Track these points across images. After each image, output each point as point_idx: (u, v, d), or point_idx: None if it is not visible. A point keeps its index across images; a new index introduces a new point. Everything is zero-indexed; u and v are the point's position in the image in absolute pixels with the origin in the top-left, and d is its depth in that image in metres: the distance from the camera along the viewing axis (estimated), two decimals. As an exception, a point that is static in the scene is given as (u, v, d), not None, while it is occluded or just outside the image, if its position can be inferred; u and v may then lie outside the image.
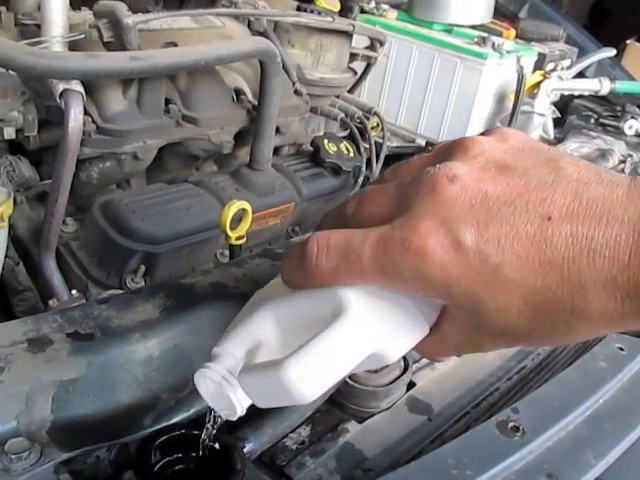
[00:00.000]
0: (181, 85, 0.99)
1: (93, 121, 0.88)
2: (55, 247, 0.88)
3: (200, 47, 0.89)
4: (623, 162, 1.39)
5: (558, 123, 1.58)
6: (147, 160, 0.96)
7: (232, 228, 0.77)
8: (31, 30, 0.90)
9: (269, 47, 0.94)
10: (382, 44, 1.30)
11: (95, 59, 0.79)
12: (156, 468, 0.51)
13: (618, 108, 1.56)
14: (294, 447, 0.60)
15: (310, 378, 0.38)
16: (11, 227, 0.88)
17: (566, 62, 1.60)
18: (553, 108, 1.54)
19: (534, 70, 1.53)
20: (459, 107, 1.45)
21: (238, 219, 0.78)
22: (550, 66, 1.54)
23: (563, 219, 0.35)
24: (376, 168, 1.23)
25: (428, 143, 1.46)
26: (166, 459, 0.51)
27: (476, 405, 0.69)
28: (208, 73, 1.01)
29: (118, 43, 0.87)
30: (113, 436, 0.51)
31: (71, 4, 0.87)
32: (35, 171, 0.96)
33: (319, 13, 1.18)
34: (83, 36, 0.86)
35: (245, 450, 0.57)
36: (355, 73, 1.29)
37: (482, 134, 0.44)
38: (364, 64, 1.33)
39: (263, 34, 1.10)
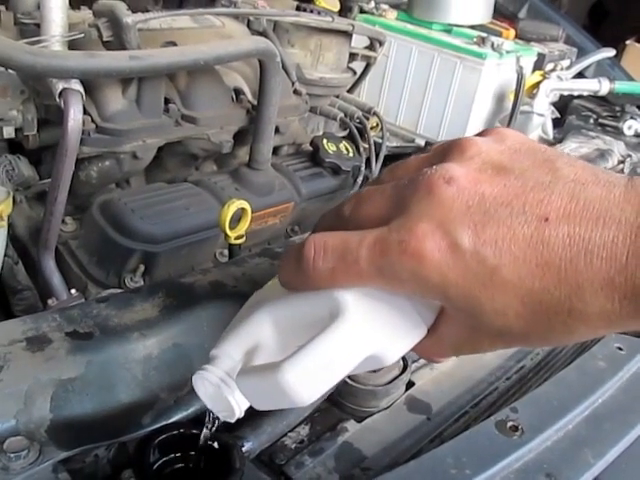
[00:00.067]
0: (180, 84, 0.99)
1: (92, 120, 0.88)
2: (54, 246, 0.88)
3: (199, 46, 0.89)
4: (622, 162, 1.39)
5: (557, 123, 1.58)
6: (146, 159, 0.96)
7: (231, 227, 0.77)
8: (30, 29, 0.90)
9: (268, 47, 0.94)
10: (381, 44, 1.30)
11: (94, 58, 0.79)
12: (155, 467, 0.51)
13: (617, 108, 1.56)
14: (293, 446, 0.60)
15: (308, 381, 0.38)
16: (10, 226, 0.88)
17: (565, 62, 1.60)
18: (552, 108, 1.54)
19: (533, 70, 1.53)
20: (458, 107, 1.45)
21: (237, 218, 0.78)
22: (549, 66, 1.54)
23: (560, 220, 0.35)
24: (375, 168, 1.23)
25: (427, 143, 1.46)
26: (165, 458, 0.51)
27: (475, 404, 0.69)
28: (207, 72, 1.01)
29: (117, 42, 0.87)
30: (112, 435, 0.51)
31: (70, 3, 0.87)
32: (34, 170, 0.96)
33: (319, 13, 1.18)
34: (82, 35, 0.86)
35: (244, 449, 0.57)
36: (354, 73, 1.29)
37: (479, 134, 0.44)
38: (363, 64, 1.33)
39: (262, 34, 1.10)
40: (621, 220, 0.34)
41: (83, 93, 0.81)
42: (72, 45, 0.87)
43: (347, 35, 1.21)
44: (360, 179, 1.17)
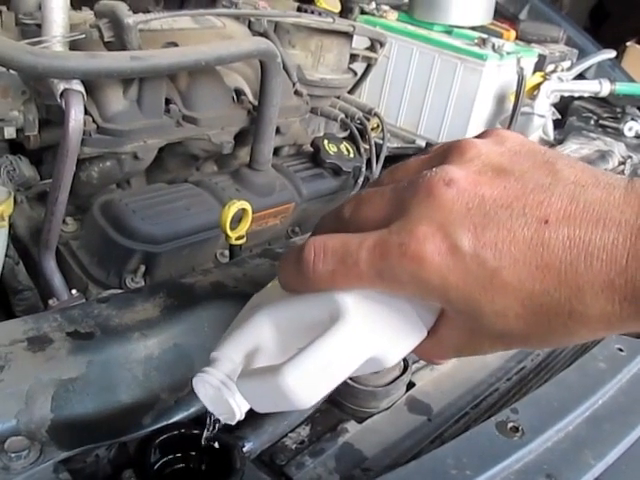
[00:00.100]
0: (181, 85, 0.99)
1: (93, 121, 0.88)
2: (55, 247, 0.88)
3: (200, 47, 0.89)
4: (623, 163, 1.39)
5: (558, 124, 1.58)
6: (147, 160, 0.96)
7: (232, 228, 0.77)
8: (32, 30, 0.90)
9: (269, 47, 0.94)
10: (382, 45, 1.30)
11: (96, 59, 0.79)
12: (155, 467, 0.51)
13: (618, 110, 1.56)
14: (293, 447, 0.60)
15: (308, 384, 0.38)
16: (11, 226, 0.88)
17: (566, 64, 1.60)
18: (553, 109, 1.54)
19: (534, 71, 1.53)
20: (459, 108, 1.45)
21: (238, 219, 0.78)
22: (550, 67, 1.54)
23: (560, 222, 0.35)
24: (376, 169, 1.23)
25: (428, 144, 1.47)
26: (165, 458, 0.51)
27: (475, 405, 0.69)
28: (208, 73, 1.01)
29: (119, 43, 0.87)
30: (113, 435, 0.51)
31: (72, 4, 0.87)
32: (35, 170, 0.96)
33: (319, 14, 1.18)
34: (84, 36, 0.86)
35: (245, 449, 0.57)
36: (355, 74, 1.29)
37: (478, 136, 0.44)
38: (364, 65, 1.33)
39: (263, 34, 1.10)
40: (621, 222, 0.34)
41: (84, 93, 0.81)
42: (73, 46, 0.87)
43: (348, 36, 1.21)
44: (361, 180, 1.17)
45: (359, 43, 1.30)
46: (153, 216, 0.89)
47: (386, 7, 1.61)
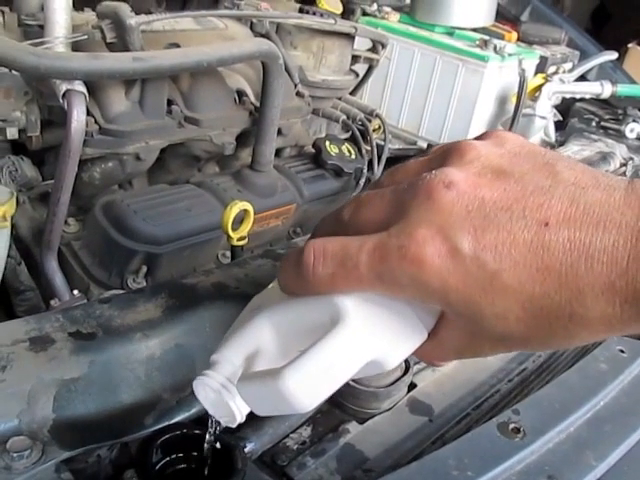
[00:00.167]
0: (183, 86, 0.99)
1: (96, 121, 0.88)
2: (57, 247, 0.88)
3: (202, 48, 0.89)
4: (624, 165, 1.39)
5: (560, 126, 1.58)
6: (149, 161, 0.96)
7: (234, 229, 0.77)
8: (34, 31, 0.91)
9: (271, 49, 0.94)
10: (384, 46, 1.31)
11: (98, 60, 0.79)
12: (157, 467, 0.51)
13: (619, 111, 1.56)
14: (295, 447, 0.60)
15: (309, 387, 0.38)
16: (13, 227, 0.88)
17: (568, 65, 1.60)
18: (554, 111, 1.54)
19: (536, 73, 1.53)
20: (461, 110, 1.46)
21: (240, 220, 0.78)
22: (552, 69, 1.55)
23: (560, 225, 0.35)
24: (377, 170, 1.23)
25: (429, 146, 1.47)
26: (167, 458, 0.51)
27: (477, 406, 0.69)
28: (210, 74, 1.01)
29: (121, 44, 0.87)
30: (114, 435, 0.51)
31: (74, 5, 0.87)
32: (37, 171, 0.96)
33: (321, 15, 1.18)
34: (86, 37, 0.86)
35: (246, 450, 0.57)
36: (357, 75, 1.30)
37: (478, 138, 0.43)
38: (366, 66, 1.33)
39: (265, 36, 1.10)
40: (621, 224, 0.34)
41: (86, 94, 0.81)
42: (75, 46, 0.87)
43: (350, 37, 1.21)
44: (362, 181, 1.17)
45: (361, 44, 1.31)
46: (155, 217, 0.89)
47: (388, 9, 1.61)
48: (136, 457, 0.51)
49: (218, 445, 0.51)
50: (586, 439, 0.62)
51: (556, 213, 0.36)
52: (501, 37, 1.54)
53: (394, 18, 1.60)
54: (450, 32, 1.54)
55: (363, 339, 0.40)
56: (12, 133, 0.90)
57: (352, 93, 1.37)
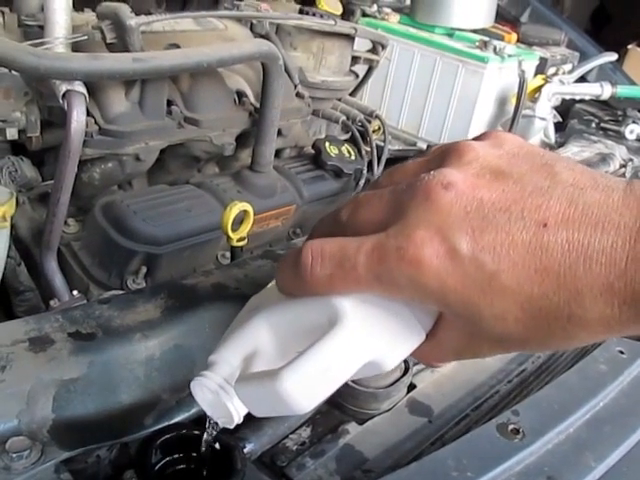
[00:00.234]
0: (183, 87, 1.00)
1: (95, 122, 0.88)
2: (57, 248, 0.88)
3: (202, 49, 0.89)
4: (624, 166, 1.39)
5: (559, 127, 1.58)
6: (149, 161, 0.96)
7: (233, 230, 0.77)
8: (34, 31, 0.91)
9: (271, 49, 0.94)
10: (384, 47, 1.31)
11: (98, 60, 0.79)
12: (157, 468, 0.51)
13: (619, 113, 1.56)
14: (294, 448, 0.60)
15: (307, 389, 0.38)
16: (13, 227, 0.88)
17: (567, 66, 1.60)
18: (554, 112, 1.54)
19: (535, 74, 1.53)
20: (460, 111, 1.46)
21: (239, 221, 0.78)
22: (551, 70, 1.55)
23: (559, 226, 0.35)
24: (377, 171, 1.23)
25: (429, 147, 1.46)
26: (167, 459, 0.51)
27: (476, 407, 0.69)
28: (210, 75, 1.01)
29: (121, 44, 0.88)
30: (114, 436, 0.51)
31: (74, 5, 0.87)
32: (37, 172, 0.96)
33: (321, 16, 1.18)
34: (86, 37, 0.86)
35: (245, 450, 0.57)
36: (357, 76, 1.30)
37: (477, 138, 0.43)
38: (366, 67, 1.33)
39: (265, 37, 1.10)
40: (620, 225, 0.34)
41: (86, 95, 0.81)
42: (75, 47, 0.87)
43: (349, 38, 1.21)
44: (362, 182, 1.17)
45: (361, 45, 1.31)
46: (154, 217, 0.89)
47: (388, 10, 1.62)
48: (135, 457, 0.51)
49: (217, 445, 0.51)
50: (585, 440, 0.62)
51: (555, 214, 0.35)
52: (501, 38, 1.54)
53: (394, 19, 1.60)
54: (450, 33, 1.54)
55: (361, 340, 0.40)
56: (12, 133, 0.90)
57: (352, 94, 1.37)
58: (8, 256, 0.88)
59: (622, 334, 0.37)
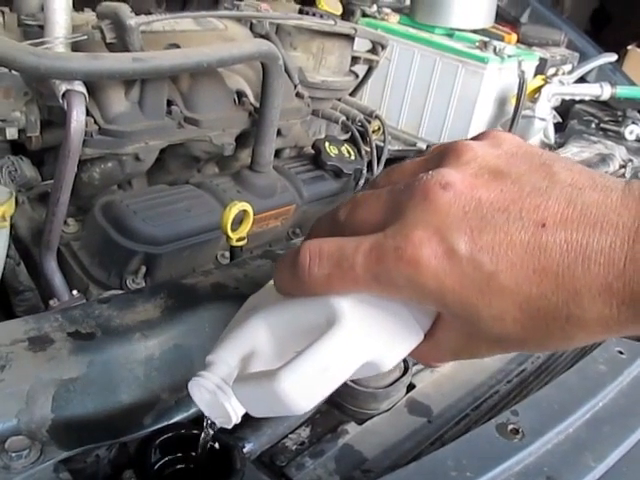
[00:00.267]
0: (183, 87, 1.00)
1: (95, 122, 0.88)
2: (56, 247, 0.88)
3: (202, 49, 0.89)
4: (624, 167, 1.39)
5: (559, 128, 1.58)
6: (149, 161, 0.96)
7: (233, 230, 0.77)
8: (34, 31, 0.91)
9: (271, 49, 0.94)
10: (384, 48, 1.31)
11: (98, 60, 0.79)
12: (156, 467, 0.51)
13: (619, 113, 1.57)
14: (294, 448, 0.60)
15: (305, 389, 0.38)
16: (12, 227, 0.88)
17: (567, 67, 1.60)
18: (554, 113, 1.54)
19: (535, 75, 1.54)
20: (460, 111, 1.46)
21: (239, 221, 0.78)
22: (551, 71, 1.55)
23: (557, 226, 0.35)
24: (377, 171, 1.23)
25: (429, 147, 1.46)
26: (166, 458, 0.51)
27: (476, 407, 0.69)
28: (210, 75, 1.01)
29: (121, 44, 0.88)
30: (113, 435, 0.51)
31: (74, 5, 0.87)
32: (37, 171, 0.96)
33: (321, 16, 1.18)
34: (86, 37, 0.86)
35: (245, 450, 0.57)
36: (357, 76, 1.30)
37: (475, 138, 0.43)
38: (366, 67, 1.33)
39: (265, 37, 1.10)
40: (618, 225, 0.34)
41: (86, 95, 0.81)
42: (75, 47, 0.87)
43: (349, 38, 1.21)
44: (362, 182, 1.17)
45: (360, 46, 1.31)
46: (154, 217, 0.89)
47: (388, 10, 1.62)
48: (135, 457, 0.51)
49: (217, 445, 0.51)
50: (585, 440, 0.62)
51: (553, 214, 0.35)
52: (501, 39, 1.55)
53: (394, 19, 1.60)
54: (450, 33, 1.54)
55: (359, 340, 0.39)
56: (12, 133, 0.90)
57: (352, 94, 1.37)
58: (8, 256, 0.88)
59: (620, 334, 0.37)
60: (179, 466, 0.52)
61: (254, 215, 0.78)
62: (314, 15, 1.18)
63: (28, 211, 0.97)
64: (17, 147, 0.96)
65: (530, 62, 1.51)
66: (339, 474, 0.58)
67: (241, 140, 1.06)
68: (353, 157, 1.17)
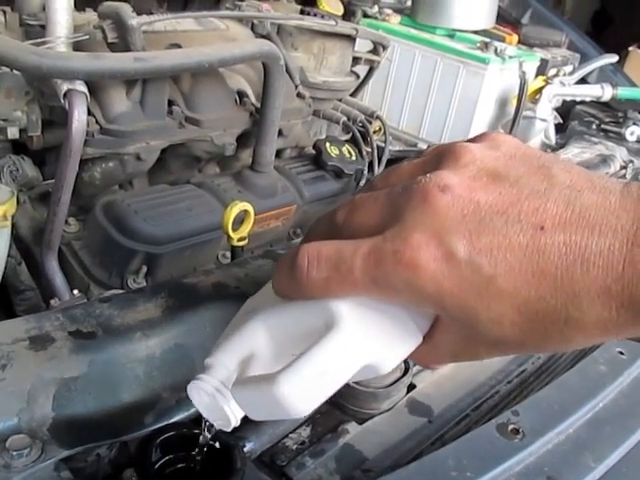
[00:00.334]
0: (184, 87, 1.00)
1: (97, 121, 0.88)
2: (57, 247, 0.88)
3: (204, 49, 0.89)
4: (624, 168, 1.39)
5: (560, 129, 1.58)
6: (150, 161, 0.96)
7: (234, 229, 0.77)
8: (36, 31, 0.91)
9: (272, 50, 0.94)
10: (385, 48, 1.31)
11: (99, 60, 0.79)
12: (156, 466, 0.51)
13: (620, 114, 1.57)
14: (294, 447, 0.60)
15: (304, 393, 0.38)
16: (14, 226, 0.88)
17: (568, 68, 1.60)
18: (555, 114, 1.54)
19: (536, 76, 1.54)
20: (461, 112, 1.46)
21: (240, 221, 0.78)
22: (552, 72, 1.55)
23: (556, 228, 0.35)
24: (378, 172, 1.24)
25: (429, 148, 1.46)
26: (166, 457, 0.51)
27: (476, 407, 0.69)
28: (211, 75, 1.02)
29: (122, 44, 0.88)
30: (114, 434, 0.51)
31: (75, 5, 0.87)
32: (38, 171, 0.96)
33: (322, 17, 1.18)
34: (87, 37, 0.86)
35: (245, 449, 0.57)
36: (358, 77, 1.30)
37: (473, 140, 0.43)
38: (367, 68, 1.33)
39: (266, 37, 1.11)
40: (617, 228, 0.34)
41: (87, 94, 0.82)
42: (77, 47, 0.87)
43: (350, 39, 1.21)
44: (363, 183, 1.18)
45: (362, 46, 1.31)
46: (155, 217, 0.89)
47: (389, 10, 1.62)
48: (135, 456, 0.51)
49: (217, 444, 0.51)
50: (585, 440, 0.62)
51: (552, 217, 0.35)
52: (502, 39, 1.55)
53: (395, 20, 1.60)
54: (451, 34, 1.54)
55: (358, 344, 0.39)
56: (13, 133, 0.90)
57: (353, 95, 1.37)
58: (9, 255, 0.88)
59: (619, 337, 0.37)
60: (180, 465, 0.52)
61: (255, 215, 0.78)
62: (315, 15, 1.18)
63: (29, 211, 0.98)
64: (18, 147, 0.96)
65: (531, 63, 1.51)
66: (339, 474, 0.58)
67: (242, 140, 1.06)
68: (354, 157, 1.17)
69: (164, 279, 0.90)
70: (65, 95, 0.80)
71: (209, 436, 0.48)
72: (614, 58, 1.69)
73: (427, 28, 1.56)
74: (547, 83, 1.50)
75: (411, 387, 0.68)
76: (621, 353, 0.73)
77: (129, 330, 0.56)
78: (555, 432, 0.61)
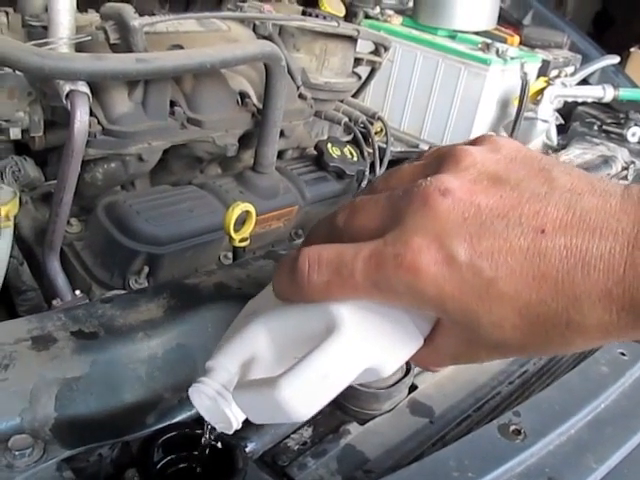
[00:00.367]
0: (186, 87, 1.00)
1: (99, 122, 0.88)
2: (59, 247, 0.88)
3: (206, 50, 0.89)
4: (626, 169, 1.39)
5: (561, 130, 1.58)
6: (152, 162, 0.96)
7: (236, 230, 0.77)
8: (38, 31, 0.91)
9: (274, 51, 0.94)
10: (386, 49, 1.31)
11: (101, 61, 0.79)
12: (158, 466, 0.51)
13: (621, 115, 1.57)
14: (296, 448, 0.60)
15: (305, 396, 0.38)
16: (16, 227, 0.88)
17: (570, 69, 1.60)
18: (556, 115, 1.54)
19: (538, 77, 1.54)
20: (463, 113, 1.46)
21: (242, 221, 0.78)
22: (554, 73, 1.55)
23: (557, 232, 0.35)
24: (379, 172, 1.24)
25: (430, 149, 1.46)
26: (168, 458, 0.51)
27: (478, 408, 0.69)
28: (213, 76, 1.02)
29: (124, 45, 0.88)
30: (116, 434, 0.51)
31: (78, 6, 0.87)
32: (40, 171, 0.97)
33: (324, 18, 1.18)
34: (90, 38, 0.87)
35: (247, 450, 0.57)
36: (359, 78, 1.30)
37: (473, 142, 0.43)
38: (368, 69, 1.33)
39: (268, 38, 1.11)
40: (618, 231, 0.34)
41: (90, 95, 0.82)
42: (79, 47, 0.87)
43: (352, 40, 1.21)
44: (364, 183, 1.18)
45: (363, 47, 1.31)
46: (157, 218, 0.89)
47: (390, 12, 1.62)
48: (137, 456, 0.51)
49: (219, 445, 0.51)
50: (587, 441, 0.62)
51: (552, 220, 0.35)
52: (503, 41, 1.55)
53: (397, 21, 1.60)
54: (452, 35, 1.54)
55: (359, 347, 0.39)
56: (15, 133, 0.90)
57: (354, 96, 1.37)
58: (11, 255, 0.88)
59: (620, 340, 0.37)
60: (181, 465, 0.52)
61: (257, 216, 0.78)
62: (317, 17, 1.18)
63: (31, 211, 0.98)
64: (21, 147, 0.96)
65: (533, 64, 1.51)
66: (341, 474, 0.58)
67: (244, 141, 1.06)
68: (356, 158, 1.18)
69: (166, 280, 0.90)
70: (67, 96, 0.80)
71: (211, 438, 0.48)
72: (616, 59, 1.69)
73: (429, 29, 1.56)
74: (549, 84, 1.50)
75: (412, 388, 0.69)
76: (622, 354, 0.73)
77: (131, 330, 0.56)
78: (557, 433, 0.61)
